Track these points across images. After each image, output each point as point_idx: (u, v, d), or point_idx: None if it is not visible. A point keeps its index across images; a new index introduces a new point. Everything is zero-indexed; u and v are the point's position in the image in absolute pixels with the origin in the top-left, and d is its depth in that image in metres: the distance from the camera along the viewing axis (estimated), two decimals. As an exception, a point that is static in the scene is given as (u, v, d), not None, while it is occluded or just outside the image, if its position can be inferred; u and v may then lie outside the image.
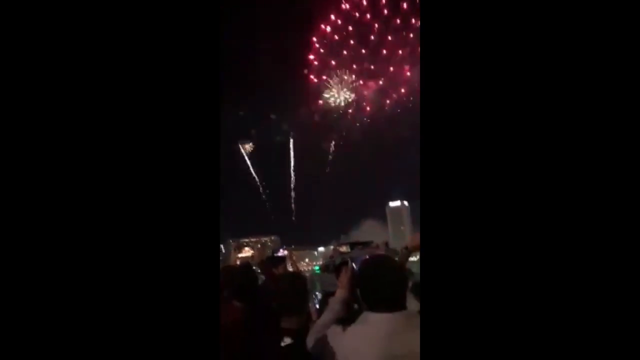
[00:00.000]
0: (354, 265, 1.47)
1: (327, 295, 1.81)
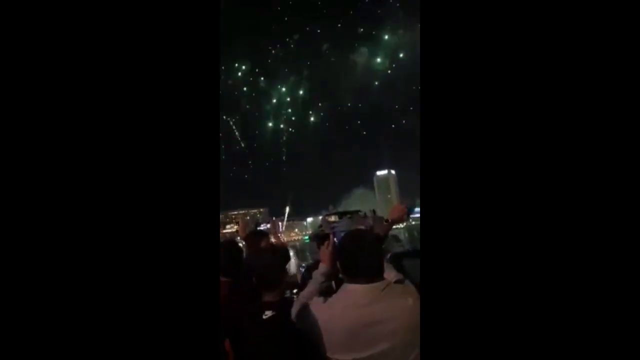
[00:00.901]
0: (335, 239, 1.48)
1: (310, 267, 1.83)
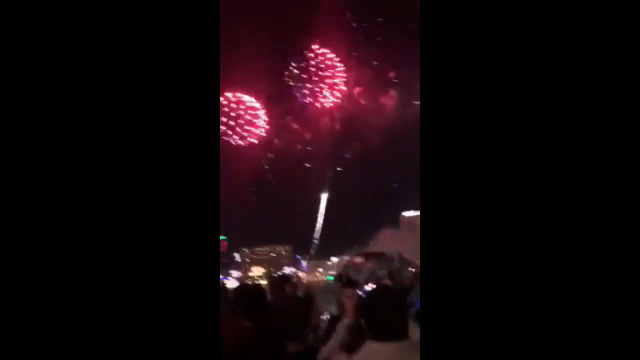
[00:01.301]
0: (359, 292, 1.48)
1: (334, 319, 1.81)
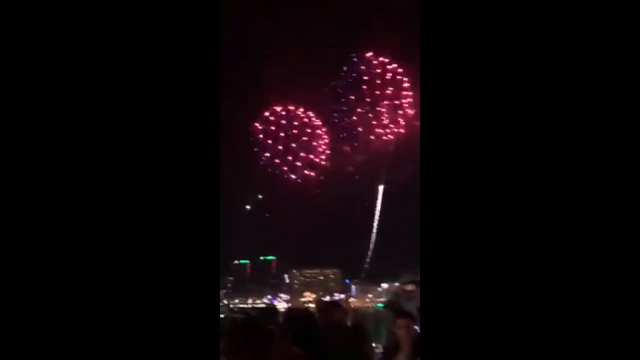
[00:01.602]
0: (416, 327, 1.41)
1: (388, 351, 1.72)
